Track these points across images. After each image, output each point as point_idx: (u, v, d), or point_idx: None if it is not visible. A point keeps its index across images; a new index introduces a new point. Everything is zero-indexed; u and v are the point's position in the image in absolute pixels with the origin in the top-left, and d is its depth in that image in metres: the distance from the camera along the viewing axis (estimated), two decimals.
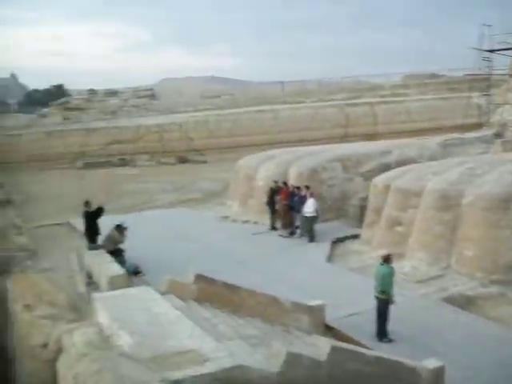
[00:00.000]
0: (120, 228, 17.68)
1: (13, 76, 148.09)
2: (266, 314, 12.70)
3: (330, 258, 18.93)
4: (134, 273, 16.76)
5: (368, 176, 22.71)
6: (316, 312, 13.07)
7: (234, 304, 12.75)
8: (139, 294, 11.45)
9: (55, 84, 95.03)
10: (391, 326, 12.80)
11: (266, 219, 22.82)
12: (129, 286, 13.60)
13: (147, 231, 21.71)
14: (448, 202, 17.29)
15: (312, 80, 75.45)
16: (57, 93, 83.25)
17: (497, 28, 34.69)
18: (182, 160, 44.15)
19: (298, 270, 17.47)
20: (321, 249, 19.67)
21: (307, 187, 21.23)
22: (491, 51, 35.04)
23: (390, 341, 12.64)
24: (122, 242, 17.62)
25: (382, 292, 12.78)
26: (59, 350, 10.25)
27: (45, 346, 11.35)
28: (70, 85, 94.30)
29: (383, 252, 13.84)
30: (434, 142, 28.12)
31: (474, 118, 43.47)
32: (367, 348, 11.40)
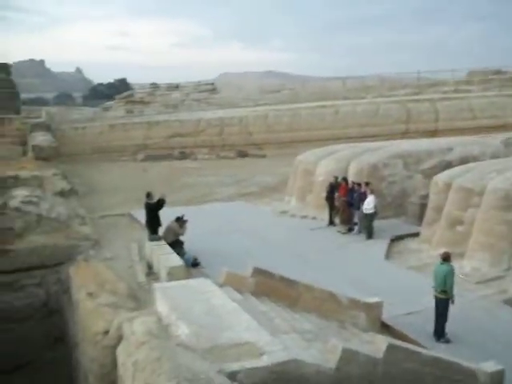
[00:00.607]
0: (180, 220, 17.99)
1: (78, 70, 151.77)
2: (322, 309, 12.72)
3: (388, 256, 18.78)
4: (193, 264, 17.02)
5: (429, 173, 22.34)
6: (373, 309, 13.02)
7: (291, 298, 12.82)
8: (197, 286, 11.64)
9: (119, 78, 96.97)
10: (449, 327, 12.64)
11: (324, 214, 22.76)
12: (187, 278, 13.84)
13: (206, 224, 21.92)
14: (511, 201, 16.90)
15: (373, 76, 74.21)
16: (120, 86, 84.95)
17: None
18: (242, 154, 44.22)
19: (355, 267, 17.41)
20: (379, 246, 19.53)
21: (367, 184, 21.06)
22: None
23: (448, 341, 12.48)
24: (181, 234, 17.92)
25: (443, 291, 12.60)
26: (120, 338, 10.54)
27: (106, 332, 11.67)
28: (132, 79, 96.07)
29: (442, 251, 13.66)
30: (496, 139, 27.46)
31: None
32: (424, 348, 11.31)
